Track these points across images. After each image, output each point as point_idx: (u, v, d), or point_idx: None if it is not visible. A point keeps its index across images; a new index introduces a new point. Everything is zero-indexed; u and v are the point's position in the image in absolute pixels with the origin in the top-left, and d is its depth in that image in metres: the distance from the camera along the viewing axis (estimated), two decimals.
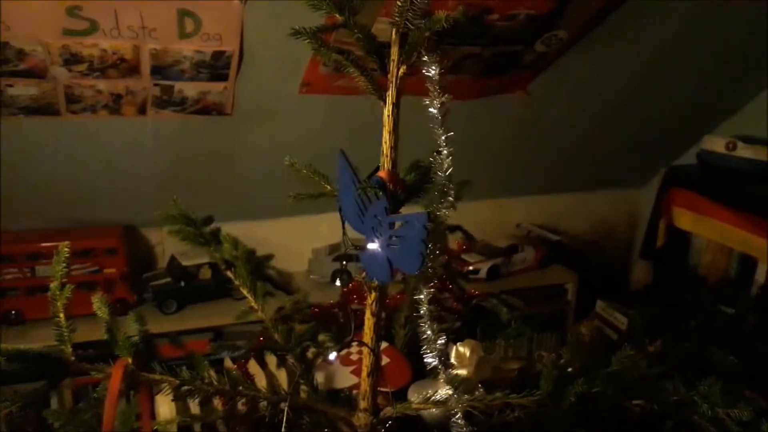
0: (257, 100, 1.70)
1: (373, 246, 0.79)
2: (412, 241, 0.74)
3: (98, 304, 0.87)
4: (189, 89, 1.59)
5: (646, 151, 2.55)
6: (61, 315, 0.80)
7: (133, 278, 1.97)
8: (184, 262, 1.98)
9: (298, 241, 2.26)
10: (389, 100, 0.80)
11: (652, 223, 2.28)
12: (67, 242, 0.81)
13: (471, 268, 2.25)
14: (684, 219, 2.18)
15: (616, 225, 2.80)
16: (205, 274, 1.99)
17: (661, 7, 1.73)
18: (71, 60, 1.43)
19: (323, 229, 2.14)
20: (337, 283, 0.96)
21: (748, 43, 2.00)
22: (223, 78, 1.58)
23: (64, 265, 0.80)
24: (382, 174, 0.82)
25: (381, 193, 0.79)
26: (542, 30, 1.63)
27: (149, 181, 1.89)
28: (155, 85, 1.55)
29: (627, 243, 2.81)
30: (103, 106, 1.57)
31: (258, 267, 1.25)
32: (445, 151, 0.79)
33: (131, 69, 1.49)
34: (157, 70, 1.51)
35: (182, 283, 1.95)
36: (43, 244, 1.81)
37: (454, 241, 2.26)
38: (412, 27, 0.73)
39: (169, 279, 1.96)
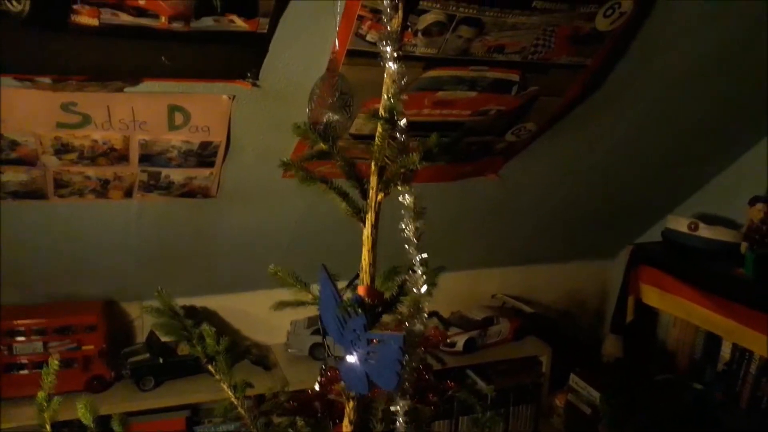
0: (242, 184, 1.76)
1: (352, 359, 0.84)
2: (389, 360, 0.79)
3: (83, 411, 0.89)
4: (176, 174, 1.65)
5: (614, 226, 2.66)
6: (48, 427, 0.82)
7: (111, 353, 1.96)
8: (163, 338, 1.99)
9: (277, 314, 2.27)
10: (368, 222, 0.87)
11: (621, 298, 2.36)
12: (57, 355, 0.84)
13: (448, 341, 2.29)
14: (651, 296, 2.26)
15: (588, 296, 2.88)
16: (184, 349, 2.00)
17: (622, 101, 1.86)
18: (62, 150, 1.48)
19: None
20: (317, 384, 1.00)
21: (709, 126, 2.12)
22: (210, 165, 1.64)
23: (54, 377, 0.83)
24: (361, 290, 0.88)
25: (360, 310, 0.85)
26: (512, 123, 1.74)
27: (132, 258, 1.92)
28: (143, 171, 1.61)
29: (598, 313, 2.89)
30: (91, 190, 1.62)
31: (240, 355, 1.29)
32: (419, 271, 0.86)
33: (120, 157, 1.55)
34: (146, 158, 1.57)
35: (160, 360, 1.95)
36: (22, 321, 1.82)
37: (430, 328, 2.30)
38: (389, 163, 0.80)
39: (147, 355, 1.96)
